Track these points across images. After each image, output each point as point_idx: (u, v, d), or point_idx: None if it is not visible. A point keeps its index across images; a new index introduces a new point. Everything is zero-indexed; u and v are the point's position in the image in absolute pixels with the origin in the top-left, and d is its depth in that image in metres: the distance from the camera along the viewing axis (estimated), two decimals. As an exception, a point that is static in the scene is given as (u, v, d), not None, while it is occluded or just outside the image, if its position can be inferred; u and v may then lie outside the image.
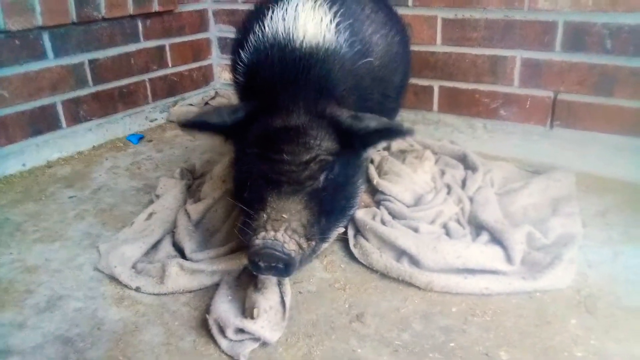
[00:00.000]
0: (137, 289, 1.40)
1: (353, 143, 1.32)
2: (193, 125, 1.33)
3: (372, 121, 1.25)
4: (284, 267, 1.21)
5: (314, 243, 1.29)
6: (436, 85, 2.31)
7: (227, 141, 1.44)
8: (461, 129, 2.29)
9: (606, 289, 1.37)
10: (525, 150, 2.14)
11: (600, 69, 1.93)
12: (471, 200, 1.72)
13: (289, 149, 1.27)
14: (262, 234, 1.22)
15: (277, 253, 1.19)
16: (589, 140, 2.02)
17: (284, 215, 1.25)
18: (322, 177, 1.30)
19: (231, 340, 1.19)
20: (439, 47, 2.25)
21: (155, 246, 1.57)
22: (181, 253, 1.50)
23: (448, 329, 1.26)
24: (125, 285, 1.42)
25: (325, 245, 1.44)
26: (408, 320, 1.29)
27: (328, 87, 1.33)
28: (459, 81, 2.25)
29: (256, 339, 1.19)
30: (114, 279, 1.46)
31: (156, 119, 2.78)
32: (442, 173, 1.87)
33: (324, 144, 1.29)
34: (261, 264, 1.21)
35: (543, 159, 2.08)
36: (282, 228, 1.22)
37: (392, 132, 1.28)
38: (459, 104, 2.27)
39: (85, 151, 2.42)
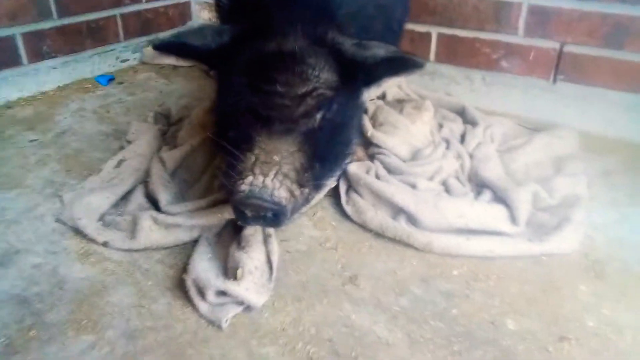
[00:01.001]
0: (105, 244, 1.25)
1: (356, 76, 1.16)
2: (170, 47, 1.15)
3: (379, 49, 1.09)
4: (273, 216, 1.08)
5: (307, 190, 1.16)
6: (434, 31, 2.14)
7: (209, 69, 1.26)
8: (458, 81, 2.15)
9: (614, 253, 1.29)
10: (525, 105, 2.02)
11: (614, 19, 1.79)
12: (471, 156, 1.59)
13: (283, 79, 1.10)
14: (250, 178, 1.07)
15: (267, 202, 1.05)
16: (594, 96, 1.90)
17: (274, 158, 1.10)
18: (318, 116, 1.15)
19: (211, 303, 1.06)
20: (440, -11, 2.07)
21: (125, 197, 1.41)
22: (155, 205, 1.35)
23: (450, 294, 1.15)
24: (92, 240, 1.27)
25: (319, 194, 1.30)
26: (406, 283, 1.18)
27: (329, 9, 1.15)
28: (459, 28, 2.08)
29: (239, 302, 1.07)
30: (78, 232, 1.30)
31: (128, 60, 2.55)
32: (440, 126, 1.74)
33: (323, 75, 1.13)
34: (248, 212, 1.08)
35: (544, 116, 1.96)
36: (273, 172, 1.08)
37: (404, 63, 1.11)
38: (457, 53, 2.11)
39: (49, 91, 2.20)
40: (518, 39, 1.98)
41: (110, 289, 1.14)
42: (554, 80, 1.97)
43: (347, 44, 1.12)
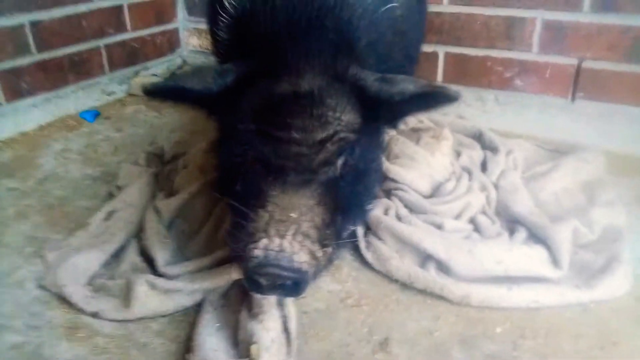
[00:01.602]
0: (95, 315, 1.09)
1: (380, 115, 1.02)
2: (164, 91, 0.99)
3: (408, 84, 0.95)
4: (293, 284, 0.93)
5: (330, 250, 1.00)
6: (442, 51, 2.01)
7: (210, 116, 1.11)
8: (469, 102, 2.02)
9: (670, 295, 1.14)
10: (542, 125, 1.90)
11: (635, 32, 1.67)
12: (496, 186, 1.45)
13: (299, 124, 0.95)
14: (264, 241, 0.92)
15: (286, 270, 0.90)
16: (616, 114, 1.79)
17: (291, 215, 0.95)
18: (339, 162, 1.00)
19: None
20: (446, 7, 1.95)
21: (117, 255, 1.25)
22: (151, 264, 1.19)
23: (495, 357, 1.00)
24: (79, 310, 1.11)
25: (342, 252, 1.15)
26: (445, 346, 1.03)
27: (348, 40, 1.01)
28: (468, 46, 1.96)
29: (257, 385, 0.90)
30: (64, 300, 1.14)
31: (114, 92, 2.39)
32: (458, 154, 1.60)
33: (344, 117, 0.98)
34: (263, 282, 0.92)
35: (562, 136, 1.83)
36: (291, 232, 0.93)
37: (436, 97, 0.97)
38: (467, 72, 1.99)
39: (29, 132, 2.03)
40: (532, 55, 1.86)
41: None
42: (573, 98, 1.85)
43: (370, 79, 0.98)
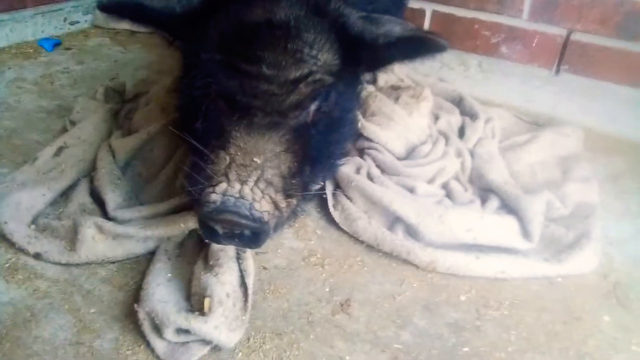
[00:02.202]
0: (37, 256, 1.01)
1: (361, 59, 0.93)
2: (122, 9, 0.89)
3: (394, 26, 0.86)
4: (252, 235, 0.86)
5: (294, 201, 0.94)
6: (429, 8, 1.92)
7: (173, 42, 1.01)
8: (451, 65, 1.95)
9: (635, 274, 1.13)
10: (524, 96, 1.84)
11: (629, 7, 1.62)
12: (472, 154, 1.41)
13: (271, 59, 0.86)
14: (223, 186, 0.85)
15: (245, 218, 0.83)
16: (600, 90, 1.74)
17: (255, 160, 0.87)
18: (312, 107, 0.92)
19: (170, 342, 0.85)
20: (438, -38, 1.84)
21: (65, 193, 1.15)
22: (102, 206, 1.10)
23: (458, 326, 0.97)
24: (20, 250, 1.02)
25: (307, 205, 1.09)
26: (407, 311, 0.99)
27: None
28: (456, 6, 1.87)
29: (206, 341, 0.85)
30: (4, 239, 1.05)
31: (78, 22, 2.22)
32: (436, 118, 1.54)
33: (322, 55, 0.89)
34: (219, 229, 0.85)
35: (543, 108, 1.80)
36: (253, 178, 0.86)
37: (423, 45, 0.88)
38: (453, 34, 1.90)
39: (-20, 56, 1.87)
40: (522, 22, 1.79)
41: (42, 319, 0.90)
42: (557, 71, 1.80)
43: (354, 16, 0.89)
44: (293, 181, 0.91)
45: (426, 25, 1.95)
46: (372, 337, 0.93)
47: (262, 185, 0.85)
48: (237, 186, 0.84)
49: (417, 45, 0.89)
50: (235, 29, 0.87)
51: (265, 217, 0.84)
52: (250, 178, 0.85)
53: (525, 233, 1.14)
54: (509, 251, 1.12)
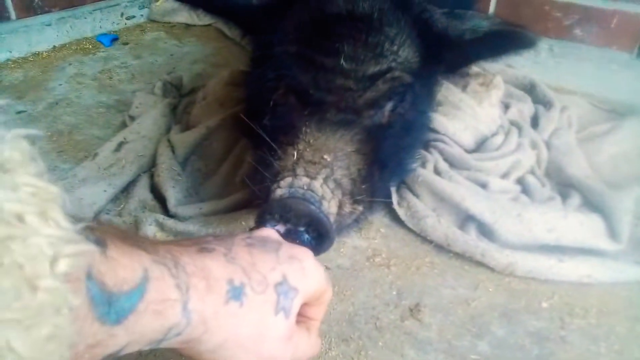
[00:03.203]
0: (99, 254, 0.99)
1: (443, 57, 0.87)
2: None
3: (480, 21, 0.79)
4: (316, 236, 0.76)
5: (360, 208, 0.87)
6: (495, -11, 1.81)
7: (245, 35, 0.96)
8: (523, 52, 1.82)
9: None
10: (600, 82, 1.69)
11: None
12: (548, 145, 1.30)
13: (350, 52, 0.80)
14: (289, 180, 0.78)
15: (313, 208, 0.74)
16: (688, 74, 1.58)
17: (325, 157, 0.81)
18: (388, 107, 0.85)
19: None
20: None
21: (126, 189, 1.14)
22: (162, 203, 1.08)
23: (541, 335, 0.89)
24: (83, 247, 1.01)
25: (371, 214, 1.02)
26: (483, 319, 0.91)
27: None
28: (525, -14, 1.75)
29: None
30: (67, 235, 1.04)
31: (134, 17, 2.24)
32: (506, 107, 1.43)
33: (403, 52, 0.83)
34: (280, 228, 0.74)
35: (622, 95, 1.64)
36: (322, 176, 0.79)
37: (512, 40, 0.81)
38: (521, 16, 1.78)
39: (42, 52, 1.91)
40: (599, 1, 1.65)
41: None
42: (639, 54, 1.65)
43: (437, 12, 0.82)
44: (362, 185, 0.84)
45: (491, 9, 1.83)
46: (446, 346, 0.86)
47: (331, 184, 0.79)
48: (306, 180, 0.77)
49: (506, 41, 0.81)
50: (314, 19, 0.82)
51: (332, 219, 0.78)
52: (319, 175, 0.79)
53: (613, 233, 1.04)
54: (595, 253, 1.02)
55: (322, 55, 0.80)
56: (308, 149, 0.80)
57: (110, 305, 0.42)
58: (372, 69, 0.81)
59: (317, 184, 0.77)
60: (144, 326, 0.46)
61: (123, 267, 0.44)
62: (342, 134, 0.81)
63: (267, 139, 0.81)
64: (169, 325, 0.48)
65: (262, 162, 0.82)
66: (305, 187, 0.76)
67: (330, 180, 0.78)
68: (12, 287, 0.32)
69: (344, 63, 0.79)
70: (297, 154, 0.79)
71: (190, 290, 0.50)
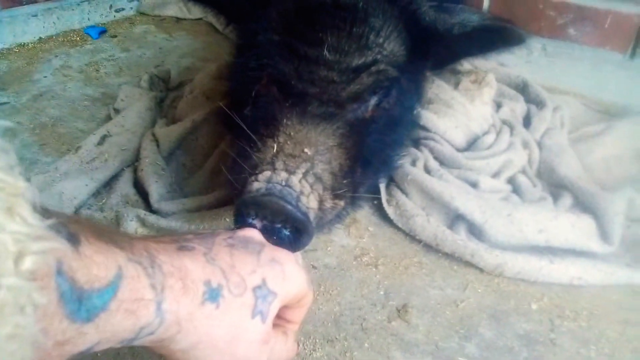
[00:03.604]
0: (78, 250, 0.96)
1: (430, 51, 0.85)
2: None
3: (470, 15, 0.78)
4: (294, 232, 0.73)
5: (341, 204, 0.85)
6: (489, -12, 1.79)
7: (229, 24, 0.93)
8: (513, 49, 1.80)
9: None
10: (593, 82, 1.68)
11: None
12: (540, 145, 1.28)
13: (334, 42, 0.78)
14: (267, 174, 0.76)
15: (290, 205, 0.72)
16: (681, 75, 1.57)
17: (305, 151, 0.79)
18: (372, 101, 0.83)
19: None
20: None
21: (108, 184, 1.11)
22: (145, 198, 1.05)
23: (530, 338, 0.87)
24: (62, 242, 0.98)
25: (353, 210, 1.00)
26: (472, 320, 0.89)
27: None
28: (519, -16, 1.73)
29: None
30: (46, 230, 1.01)
31: (123, 9, 2.20)
32: (498, 106, 1.41)
33: (388, 45, 0.81)
34: (257, 223, 0.71)
35: (615, 96, 1.63)
36: (301, 170, 0.77)
37: (503, 36, 0.80)
38: (514, 14, 1.76)
39: (28, 43, 1.87)
40: (592, 1, 1.63)
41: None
42: (632, 54, 1.64)
43: (425, 5, 0.80)
44: (344, 180, 0.82)
45: (485, 6, 1.81)
46: (433, 348, 0.84)
47: (310, 179, 0.77)
48: (284, 175, 0.75)
49: (495, 37, 0.79)
50: (298, 7, 0.79)
51: (311, 214, 0.76)
52: (298, 169, 0.76)
53: (604, 234, 1.02)
54: (586, 255, 1.00)
55: (306, 45, 0.78)
56: (288, 142, 0.77)
57: (80, 303, 0.41)
58: (357, 61, 0.79)
59: (295, 179, 0.75)
60: (115, 325, 0.45)
61: (96, 264, 0.43)
62: (324, 128, 0.79)
63: (247, 130, 0.79)
64: (141, 325, 0.47)
65: (241, 154, 0.80)
66: (283, 183, 0.74)
67: (310, 175, 0.76)
68: None
69: (327, 54, 0.77)
70: (277, 147, 0.77)
71: (166, 291, 0.49)
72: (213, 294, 0.53)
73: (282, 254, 0.63)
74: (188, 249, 0.55)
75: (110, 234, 0.49)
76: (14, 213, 0.34)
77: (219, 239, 0.59)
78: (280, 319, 0.64)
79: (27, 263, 0.34)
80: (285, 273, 0.60)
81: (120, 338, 0.47)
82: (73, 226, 0.43)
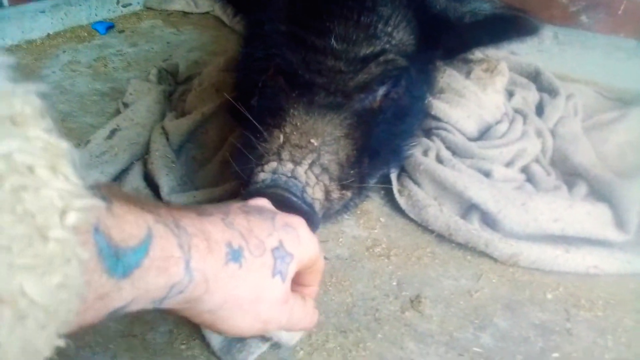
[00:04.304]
0: (90, 243, 0.96)
1: (441, 41, 0.83)
2: None
3: (482, 3, 0.76)
4: None
5: (348, 194, 0.85)
6: (499, -24, 1.76)
7: (236, 14, 0.93)
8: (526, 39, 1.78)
9: None
10: (606, 70, 1.66)
11: None
12: (553, 134, 1.26)
13: (341, 32, 0.77)
14: (273, 164, 0.76)
15: (295, 197, 0.73)
16: (697, 62, 1.54)
17: (312, 141, 0.79)
18: (380, 91, 0.82)
19: (227, 337, 0.78)
20: None
21: (119, 177, 1.11)
22: (155, 191, 1.05)
23: (545, 328, 0.86)
24: (73, 236, 0.98)
25: (361, 200, 0.99)
26: (486, 310, 0.88)
27: None
28: (530, -28, 1.70)
29: (266, 338, 0.78)
30: (57, 223, 1.01)
31: (130, 4, 2.20)
32: (510, 94, 1.39)
33: (397, 34, 0.80)
34: None
35: (629, 84, 1.60)
36: (307, 161, 0.77)
37: (516, 25, 0.78)
38: (525, 2, 1.72)
39: (36, 40, 1.87)
40: (606, -13, 1.61)
41: (93, 309, 0.86)
42: (647, 41, 1.61)
43: None
44: (351, 171, 0.81)
45: (495, -6, 1.78)
46: (448, 338, 0.83)
47: (316, 170, 0.77)
48: (290, 166, 0.75)
49: (508, 26, 0.78)
50: None
51: (317, 205, 0.76)
52: (304, 160, 0.76)
53: (620, 223, 1.00)
54: (602, 244, 0.99)
55: (312, 34, 0.77)
56: (295, 132, 0.77)
57: (117, 259, 0.43)
58: (364, 50, 0.78)
59: (301, 170, 0.75)
60: (148, 282, 0.47)
61: (128, 223, 0.45)
62: (331, 118, 0.79)
63: (254, 121, 0.78)
64: (172, 283, 0.49)
65: (248, 145, 0.80)
66: (289, 174, 0.75)
67: (317, 166, 0.76)
68: (25, 234, 0.33)
69: (334, 43, 0.76)
70: (283, 137, 0.77)
71: (192, 250, 0.51)
72: (235, 255, 0.55)
73: (295, 219, 0.64)
74: (207, 215, 0.57)
75: (137, 198, 0.51)
76: (57, 171, 0.36)
77: (234, 207, 0.62)
78: (297, 285, 0.67)
79: (71, 218, 0.36)
80: (299, 237, 0.62)
81: (153, 296, 0.48)
82: (105, 189, 0.45)
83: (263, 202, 0.67)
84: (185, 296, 0.51)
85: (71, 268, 0.36)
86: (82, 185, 0.38)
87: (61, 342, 0.36)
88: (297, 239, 0.62)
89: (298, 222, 0.64)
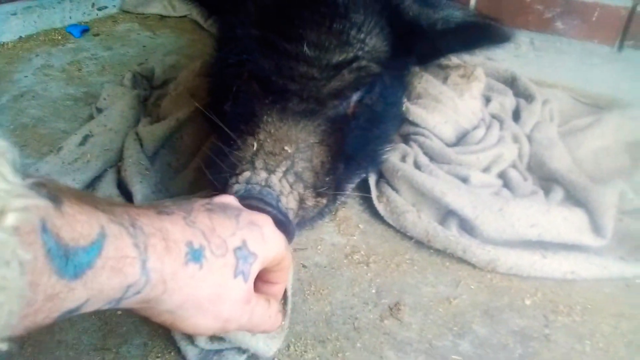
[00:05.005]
0: (61, 253, 0.93)
1: (413, 47, 0.83)
2: None
3: (454, 10, 0.76)
4: None
5: (323, 201, 0.84)
6: (476, -18, 1.78)
7: (209, 17, 0.91)
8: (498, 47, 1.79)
9: None
10: (581, 75, 1.68)
11: None
12: (529, 139, 1.27)
13: (314, 38, 0.76)
14: (247, 174, 0.75)
15: (270, 206, 0.72)
16: (668, 67, 1.58)
17: (286, 149, 0.78)
18: (354, 98, 0.82)
19: (203, 349, 0.76)
20: None
21: (91, 185, 1.08)
22: (129, 198, 1.03)
23: (524, 334, 0.86)
24: (43, 246, 0.95)
25: (339, 206, 0.99)
26: (465, 317, 0.88)
27: None
28: (507, -22, 1.73)
29: (242, 349, 0.76)
30: (27, 233, 0.98)
31: (106, 7, 2.16)
32: (487, 100, 1.40)
33: (370, 40, 0.79)
34: None
35: (604, 89, 1.63)
36: (281, 169, 0.76)
37: (488, 33, 0.79)
38: (502, 9, 1.76)
39: (8, 43, 1.82)
40: (580, -7, 1.64)
41: (65, 322, 0.83)
42: (620, 47, 1.64)
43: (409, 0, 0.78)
44: (326, 178, 0.81)
45: (472, 0, 1.80)
46: (427, 346, 0.82)
47: (290, 178, 0.76)
48: (264, 174, 0.75)
49: (479, 34, 0.78)
50: (277, 2, 0.77)
51: (291, 215, 0.75)
52: (278, 168, 0.75)
53: (597, 228, 1.01)
54: (579, 249, 0.99)
55: (285, 40, 0.76)
56: (269, 140, 0.76)
57: (67, 259, 0.42)
58: (337, 57, 0.77)
59: (275, 178, 0.74)
60: (102, 283, 0.45)
61: (80, 222, 0.44)
62: (304, 125, 0.78)
63: (226, 129, 0.77)
64: (127, 283, 0.48)
65: (221, 153, 0.78)
66: (263, 183, 0.74)
67: (291, 173, 0.75)
68: None
69: (307, 50, 0.75)
70: (257, 145, 0.76)
71: (149, 249, 0.50)
72: (195, 255, 0.54)
73: (260, 217, 0.64)
74: (167, 213, 0.55)
75: (90, 197, 0.49)
76: None
77: (197, 205, 0.60)
78: (263, 283, 0.66)
79: (10, 219, 0.35)
80: (264, 235, 0.61)
81: (108, 297, 0.47)
82: (54, 188, 0.44)
83: (229, 200, 0.66)
84: (142, 296, 0.50)
85: (10, 270, 0.35)
86: (24, 185, 0.37)
87: (3, 346, 0.35)
88: (262, 238, 0.61)
89: (263, 220, 0.63)
